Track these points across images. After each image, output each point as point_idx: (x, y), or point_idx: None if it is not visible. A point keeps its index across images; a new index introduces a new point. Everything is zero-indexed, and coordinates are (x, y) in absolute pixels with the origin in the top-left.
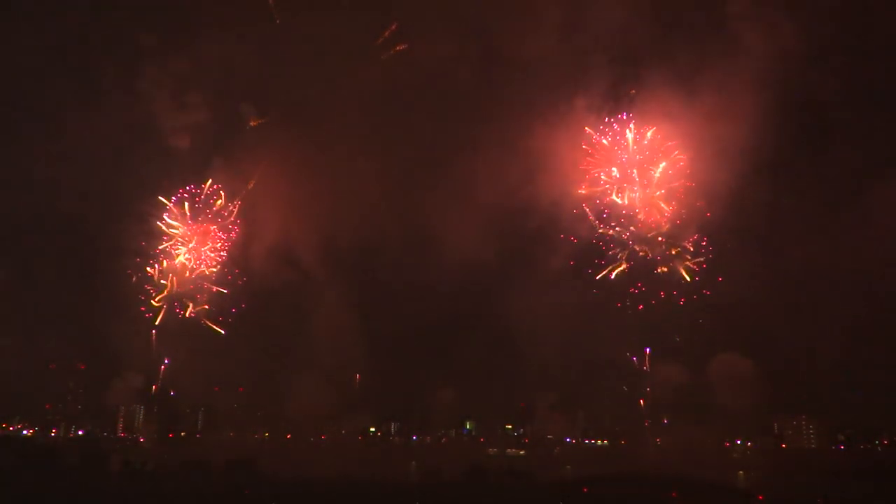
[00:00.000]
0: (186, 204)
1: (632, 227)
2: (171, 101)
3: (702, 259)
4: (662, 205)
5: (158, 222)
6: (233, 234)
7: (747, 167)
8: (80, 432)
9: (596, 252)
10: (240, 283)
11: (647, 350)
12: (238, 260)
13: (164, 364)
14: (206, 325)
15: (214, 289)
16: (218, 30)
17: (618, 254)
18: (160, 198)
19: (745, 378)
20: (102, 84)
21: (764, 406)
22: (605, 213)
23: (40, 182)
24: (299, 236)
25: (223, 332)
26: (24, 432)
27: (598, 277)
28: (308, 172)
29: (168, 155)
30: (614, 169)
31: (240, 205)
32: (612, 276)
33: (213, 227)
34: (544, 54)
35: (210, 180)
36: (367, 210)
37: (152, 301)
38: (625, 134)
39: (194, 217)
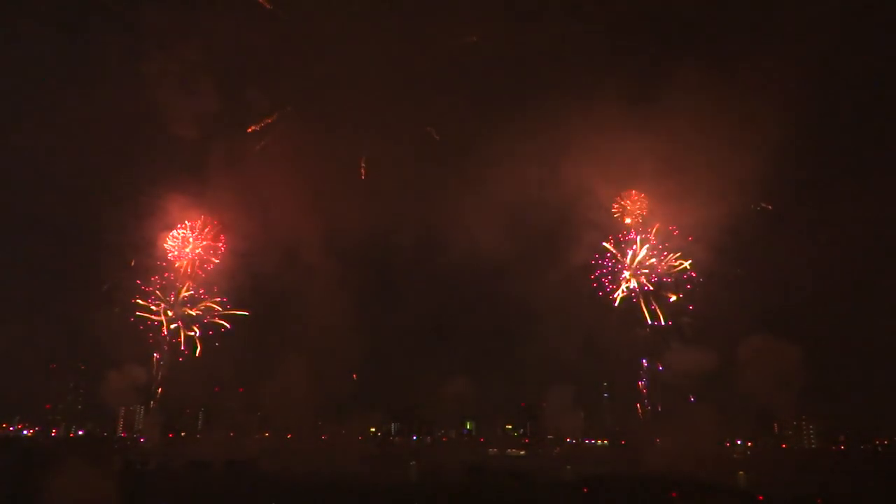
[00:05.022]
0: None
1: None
2: (177, 89)
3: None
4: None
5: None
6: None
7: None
8: (80, 432)
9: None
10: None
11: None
12: (240, 258)
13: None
14: (215, 321)
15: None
16: (227, 17)
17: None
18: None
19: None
20: (102, 75)
21: (766, 405)
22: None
23: (40, 178)
24: (303, 233)
25: (228, 325)
26: (24, 432)
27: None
28: (314, 165)
29: (172, 146)
30: None
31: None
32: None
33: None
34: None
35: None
36: (373, 207)
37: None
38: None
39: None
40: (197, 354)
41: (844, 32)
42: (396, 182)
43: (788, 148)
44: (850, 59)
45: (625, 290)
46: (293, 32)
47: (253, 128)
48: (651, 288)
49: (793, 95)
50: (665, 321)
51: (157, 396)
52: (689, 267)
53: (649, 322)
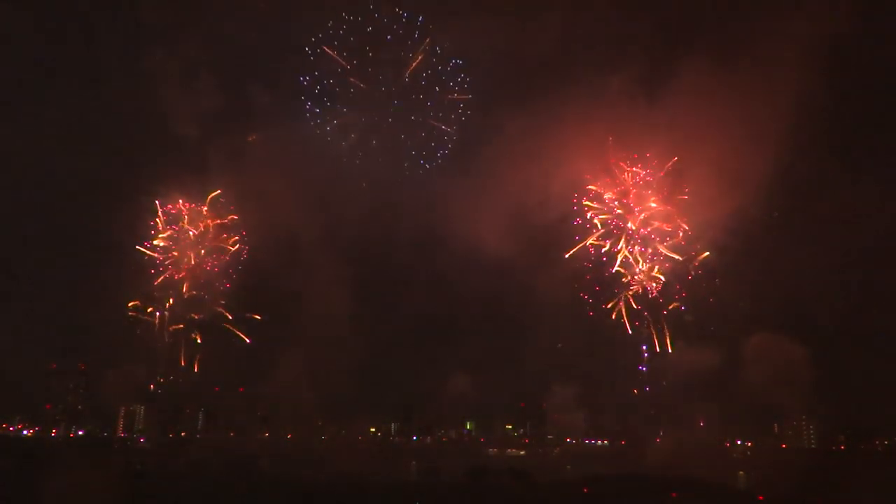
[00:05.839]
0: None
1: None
2: (175, 88)
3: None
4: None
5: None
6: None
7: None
8: (80, 432)
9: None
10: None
11: (646, 353)
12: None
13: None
14: (227, 328)
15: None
16: (223, 13)
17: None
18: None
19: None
20: (101, 72)
21: (768, 405)
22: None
23: (40, 177)
24: (303, 231)
25: (248, 340)
26: (24, 432)
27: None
28: (314, 163)
29: (171, 145)
30: None
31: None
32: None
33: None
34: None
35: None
36: (373, 205)
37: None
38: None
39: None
40: (195, 368)
41: (856, 26)
42: (397, 179)
43: (796, 145)
44: (862, 54)
45: (628, 297)
46: (293, 31)
47: (253, 137)
48: (661, 299)
49: (801, 92)
50: (673, 347)
51: (157, 396)
52: (694, 270)
53: (658, 349)
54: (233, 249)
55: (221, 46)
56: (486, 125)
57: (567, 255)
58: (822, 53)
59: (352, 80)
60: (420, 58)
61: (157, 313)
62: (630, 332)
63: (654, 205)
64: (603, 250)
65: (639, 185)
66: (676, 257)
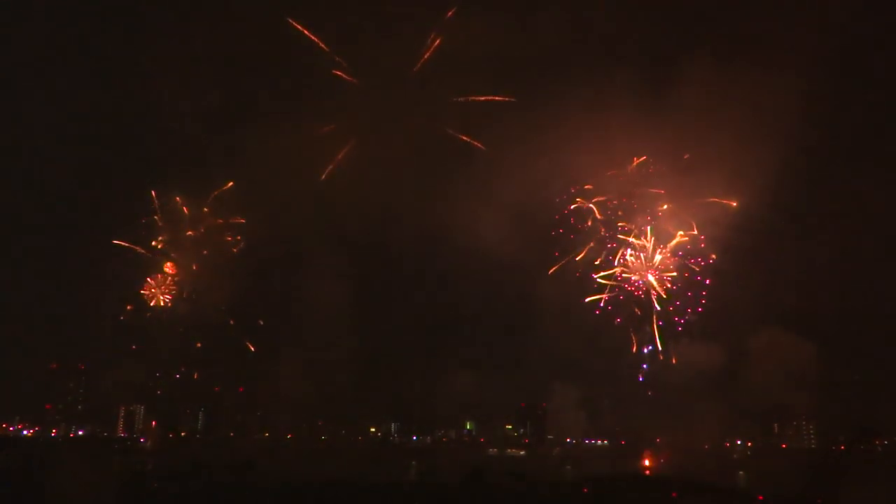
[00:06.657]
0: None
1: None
2: (175, 88)
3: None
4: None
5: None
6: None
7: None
8: (80, 432)
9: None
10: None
11: (648, 349)
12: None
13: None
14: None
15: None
16: (221, 14)
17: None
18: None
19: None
20: (99, 75)
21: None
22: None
23: (40, 176)
24: (304, 230)
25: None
26: (24, 432)
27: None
28: (317, 161)
29: (173, 141)
30: None
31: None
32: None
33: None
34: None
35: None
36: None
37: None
38: None
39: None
40: (195, 368)
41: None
42: (399, 178)
43: (801, 142)
44: (868, 53)
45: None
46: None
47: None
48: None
49: (806, 89)
50: (674, 347)
51: (157, 396)
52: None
53: (659, 349)
54: (235, 250)
55: (221, 44)
56: (490, 123)
57: (550, 273)
58: (828, 52)
59: (337, 73)
60: (436, 43)
61: (158, 314)
62: (631, 331)
63: (665, 207)
64: (603, 252)
65: (642, 185)
66: (678, 259)
